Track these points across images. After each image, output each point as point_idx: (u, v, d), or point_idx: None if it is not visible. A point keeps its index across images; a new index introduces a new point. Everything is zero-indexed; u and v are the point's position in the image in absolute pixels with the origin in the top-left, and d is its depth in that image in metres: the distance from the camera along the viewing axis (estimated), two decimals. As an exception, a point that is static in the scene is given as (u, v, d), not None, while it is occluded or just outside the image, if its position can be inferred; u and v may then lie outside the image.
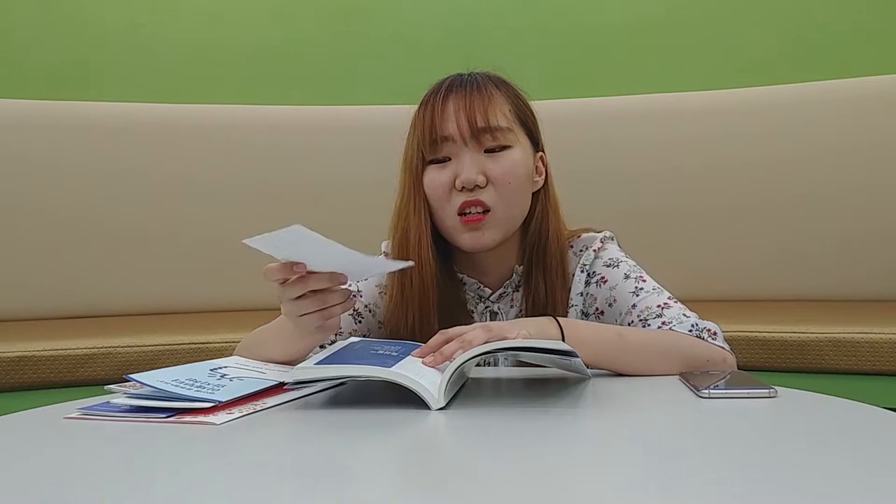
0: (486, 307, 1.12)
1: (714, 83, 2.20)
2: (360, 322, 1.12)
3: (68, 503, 0.54)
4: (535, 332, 0.89)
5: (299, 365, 0.84)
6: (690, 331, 1.00)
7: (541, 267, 1.09)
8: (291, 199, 2.18)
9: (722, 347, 1.00)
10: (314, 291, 0.88)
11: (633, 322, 1.04)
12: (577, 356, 0.83)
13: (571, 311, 1.10)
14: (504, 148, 1.06)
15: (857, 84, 2.09)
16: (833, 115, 2.08)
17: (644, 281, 1.08)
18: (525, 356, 0.88)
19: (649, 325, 1.03)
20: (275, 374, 0.92)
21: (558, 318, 0.95)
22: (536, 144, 1.12)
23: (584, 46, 2.31)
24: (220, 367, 0.90)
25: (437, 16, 2.33)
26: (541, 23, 2.29)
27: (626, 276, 1.08)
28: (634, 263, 1.11)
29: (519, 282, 1.12)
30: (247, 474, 0.60)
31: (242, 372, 0.90)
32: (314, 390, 0.89)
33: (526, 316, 1.09)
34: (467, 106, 1.04)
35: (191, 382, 0.81)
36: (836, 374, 1.53)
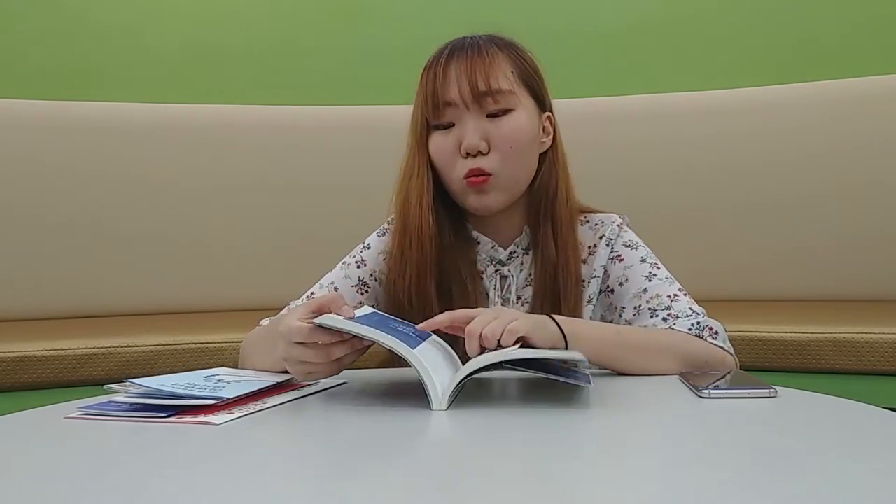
0: (496, 269, 1.12)
1: (714, 83, 2.20)
2: (365, 293, 1.13)
3: (68, 503, 0.54)
4: (531, 327, 0.85)
5: (330, 314, 0.82)
6: (690, 329, 1.00)
7: (549, 225, 1.09)
8: (291, 199, 2.18)
9: (721, 347, 1.00)
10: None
11: (640, 306, 1.05)
12: (585, 366, 0.82)
13: (593, 281, 1.10)
14: (507, 111, 1.05)
15: (857, 84, 2.09)
16: (833, 115, 2.08)
17: (658, 268, 1.09)
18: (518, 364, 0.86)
19: (657, 314, 1.04)
20: (268, 376, 0.91)
21: (554, 317, 0.92)
22: (543, 105, 1.12)
23: (585, 47, 2.31)
24: (213, 376, 0.90)
25: (438, 16, 2.33)
26: (541, 23, 2.29)
27: (643, 260, 1.09)
28: (650, 251, 1.12)
29: (529, 243, 1.12)
30: (247, 474, 0.60)
31: (235, 377, 0.90)
32: (314, 390, 0.89)
33: (536, 276, 1.09)
34: (468, 70, 1.04)
35: (189, 386, 0.81)
36: (836, 374, 1.53)
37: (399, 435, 0.73)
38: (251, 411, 0.78)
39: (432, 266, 1.07)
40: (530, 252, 1.12)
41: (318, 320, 0.80)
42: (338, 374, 0.87)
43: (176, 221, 2.14)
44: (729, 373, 0.94)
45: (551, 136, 1.12)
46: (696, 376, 0.90)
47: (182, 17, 2.32)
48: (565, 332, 0.90)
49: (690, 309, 1.03)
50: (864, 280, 2.02)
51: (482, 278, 1.12)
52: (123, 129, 2.14)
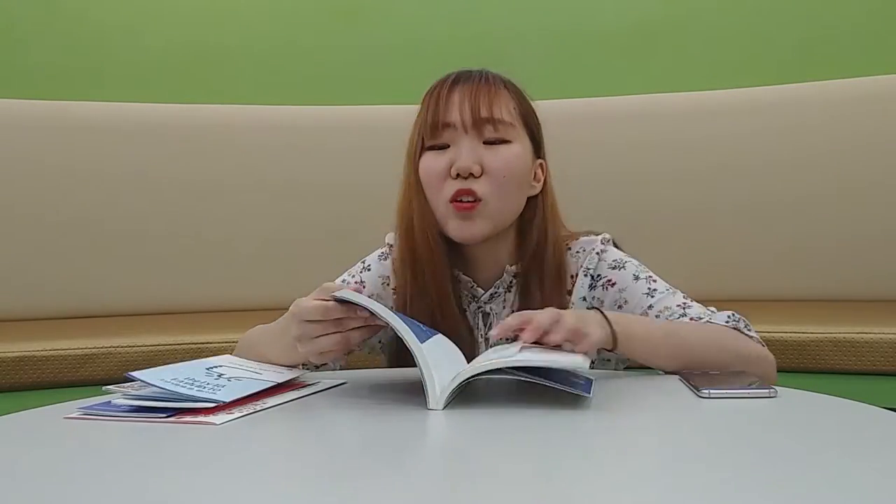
0: (479, 307, 1.11)
1: (714, 83, 2.20)
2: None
3: (68, 503, 0.54)
4: (581, 325, 0.86)
5: (347, 290, 0.82)
6: (728, 321, 0.99)
7: (536, 277, 1.07)
8: (291, 199, 2.18)
9: (760, 343, 1.00)
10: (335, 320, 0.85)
11: None
12: (587, 372, 0.81)
13: None
14: (504, 142, 1.05)
15: (857, 84, 2.09)
16: (833, 115, 2.08)
17: (655, 281, 1.07)
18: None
19: None
20: (271, 374, 0.91)
21: (608, 316, 0.91)
22: (538, 150, 1.11)
23: (585, 47, 2.30)
24: (216, 367, 0.90)
25: (438, 16, 2.33)
26: (542, 23, 2.29)
27: (636, 278, 1.07)
28: (639, 263, 1.10)
29: (511, 282, 1.10)
30: (247, 474, 0.60)
31: (238, 371, 0.90)
32: (314, 390, 0.89)
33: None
34: (472, 95, 1.04)
35: (190, 382, 0.81)
36: (836, 374, 1.53)
37: (399, 435, 0.73)
38: (251, 411, 0.78)
39: (450, 286, 1.06)
40: (512, 289, 1.10)
41: (336, 294, 0.82)
42: (347, 353, 0.87)
43: (176, 221, 2.14)
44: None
45: (542, 183, 1.11)
46: (696, 376, 0.89)
47: (182, 17, 2.32)
48: (616, 332, 0.90)
49: (708, 310, 1.03)
50: (864, 280, 2.02)
51: (466, 315, 1.10)
52: (123, 129, 2.14)
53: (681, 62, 2.28)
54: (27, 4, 2.24)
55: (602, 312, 0.92)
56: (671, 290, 1.07)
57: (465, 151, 1.03)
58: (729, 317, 1.00)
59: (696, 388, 0.84)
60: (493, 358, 0.81)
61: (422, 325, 0.88)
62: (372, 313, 0.82)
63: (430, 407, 0.78)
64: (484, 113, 1.03)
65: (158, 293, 2.12)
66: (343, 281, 1.15)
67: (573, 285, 1.10)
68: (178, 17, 2.31)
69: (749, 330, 1.00)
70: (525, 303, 1.07)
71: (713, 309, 1.04)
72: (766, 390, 0.82)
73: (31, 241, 2.05)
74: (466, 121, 1.03)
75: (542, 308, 0.92)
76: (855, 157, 2.04)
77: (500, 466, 0.62)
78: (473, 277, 1.11)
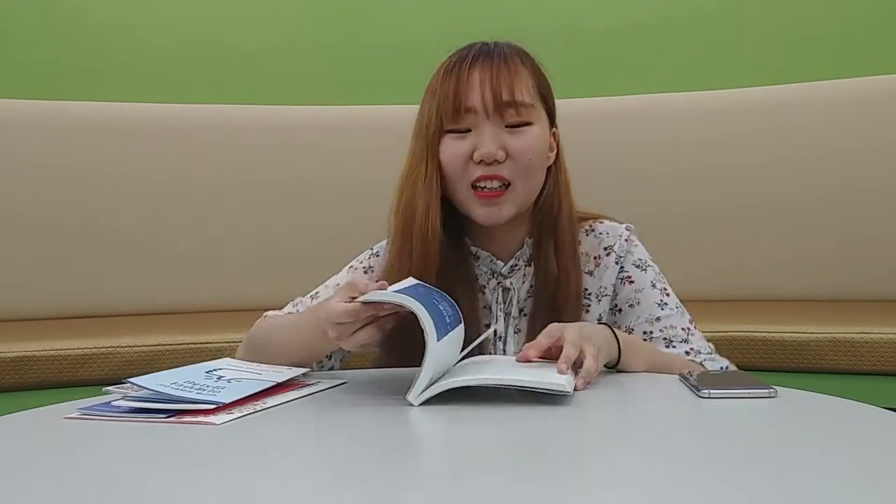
0: (499, 282, 1.11)
1: (714, 83, 2.20)
2: None
3: (68, 503, 0.54)
4: (602, 350, 0.90)
5: (373, 292, 0.84)
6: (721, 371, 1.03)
7: (551, 242, 1.08)
8: (291, 199, 2.18)
9: None
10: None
11: (652, 332, 1.06)
12: (568, 393, 0.81)
13: (604, 300, 1.09)
14: (525, 124, 1.05)
15: (857, 84, 2.09)
16: (833, 115, 2.08)
17: (668, 295, 1.09)
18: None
19: (674, 346, 1.05)
20: (270, 374, 0.91)
21: (616, 332, 0.96)
22: (552, 119, 1.12)
23: (585, 47, 2.30)
24: (216, 370, 0.90)
25: (438, 16, 2.33)
26: (542, 23, 2.29)
27: (653, 285, 1.09)
28: (658, 270, 1.12)
29: (530, 255, 1.11)
30: (247, 474, 0.60)
31: (238, 374, 0.90)
32: (314, 390, 0.89)
33: (537, 292, 1.08)
34: (493, 78, 1.03)
35: (189, 385, 0.81)
36: (836, 374, 1.53)
37: (399, 435, 0.73)
38: (251, 411, 0.78)
39: (433, 275, 1.04)
40: (532, 264, 1.11)
41: (362, 298, 0.83)
42: (381, 337, 0.89)
43: (176, 221, 2.14)
44: (729, 373, 0.93)
45: (555, 151, 1.12)
46: (696, 376, 0.89)
47: (182, 17, 2.32)
48: (621, 342, 0.94)
49: (707, 347, 1.06)
50: (864, 280, 2.02)
51: (484, 292, 1.11)
52: (123, 129, 2.14)
53: (681, 62, 2.28)
54: (26, 4, 2.24)
55: (616, 337, 0.95)
56: (680, 310, 1.09)
57: (488, 138, 1.02)
58: (722, 369, 1.03)
59: (696, 388, 0.84)
60: (480, 374, 0.83)
61: (447, 314, 0.88)
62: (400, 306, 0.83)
63: (408, 398, 0.80)
64: (506, 96, 1.02)
65: (158, 293, 2.12)
66: (351, 267, 1.16)
67: (596, 266, 1.11)
68: (177, 18, 2.31)
69: None
70: (541, 273, 1.08)
71: (712, 347, 1.07)
72: (766, 390, 0.82)
73: (31, 241, 2.05)
74: (489, 105, 1.02)
75: (558, 279, 1.01)
76: (855, 157, 2.04)
77: (499, 465, 0.62)
78: (493, 250, 1.12)
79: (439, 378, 0.83)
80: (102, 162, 2.11)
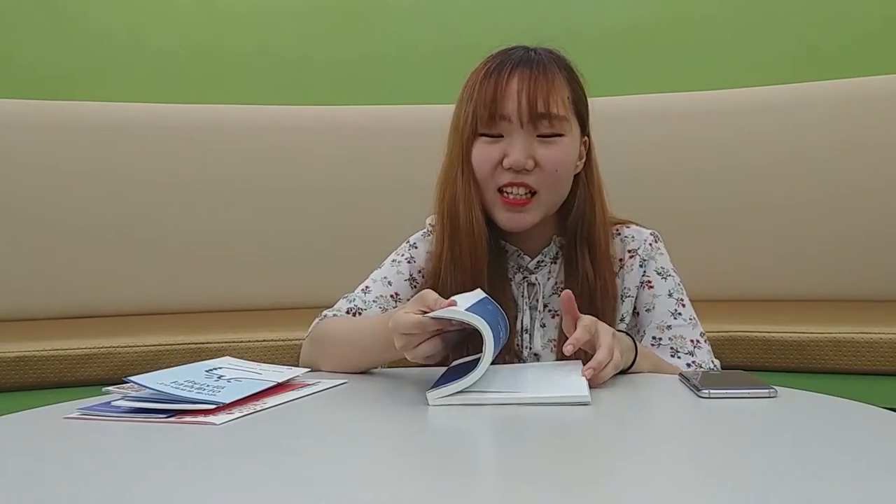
0: (524, 277, 1.13)
1: (714, 83, 2.20)
2: (415, 287, 1.15)
3: (68, 503, 0.54)
4: (624, 357, 0.92)
5: (442, 309, 0.85)
6: None
7: (586, 248, 1.09)
8: (292, 199, 2.18)
9: None
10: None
11: (661, 339, 1.08)
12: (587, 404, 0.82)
13: (627, 301, 1.11)
14: (557, 135, 1.06)
15: (857, 84, 2.09)
16: (833, 115, 2.08)
17: (683, 306, 1.11)
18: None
19: (679, 356, 1.07)
20: (270, 374, 0.92)
21: (636, 340, 0.99)
22: (584, 129, 1.13)
23: (585, 47, 2.29)
24: (216, 369, 0.90)
25: (437, 17, 2.33)
26: (541, 24, 2.29)
27: (670, 294, 1.11)
28: (679, 281, 1.13)
29: (557, 253, 1.13)
30: (247, 474, 0.60)
31: (238, 373, 0.90)
32: (314, 390, 0.89)
33: (565, 287, 1.09)
34: (530, 88, 1.04)
35: (189, 384, 0.81)
36: (836, 374, 1.53)
37: (399, 435, 0.73)
38: (251, 411, 0.78)
39: (485, 270, 1.07)
40: (558, 261, 1.13)
41: (431, 315, 0.84)
42: (446, 351, 0.91)
43: (176, 221, 2.14)
44: (728, 373, 0.93)
45: (584, 160, 1.13)
46: (696, 376, 0.89)
47: (183, 18, 2.32)
48: (638, 356, 0.97)
49: (712, 362, 1.07)
50: (864, 280, 2.02)
51: (510, 286, 1.13)
52: (123, 129, 2.14)
53: (681, 62, 2.29)
54: (28, 5, 2.24)
55: (636, 349, 0.98)
56: (693, 322, 1.10)
57: (519, 147, 1.04)
58: None
59: (696, 388, 0.84)
60: (503, 387, 0.84)
61: (502, 338, 0.89)
62: (466, 323, 0.84)
63: (427, 394, 0.80)
64: (541, 108, 1.04)
65: (158, 293, 2.12)
66: (393, 261, 1.18)
67: (620, 267, 1.13)
68: (178, 19, 2.32)
69: None
70: (571, 277, 1.09)
71: (717, 364, 1.08)
72: (766, 390, 0.82)
73: (31, 241, 2.05)
74: (523, 115, 1.04)
75: (595, 284, 1.05)
76: (856, 157, 2.04)
77: (500, 464, 0.62)
78: (519, 247, 1.14)
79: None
80: (102, 162, 2.11)
